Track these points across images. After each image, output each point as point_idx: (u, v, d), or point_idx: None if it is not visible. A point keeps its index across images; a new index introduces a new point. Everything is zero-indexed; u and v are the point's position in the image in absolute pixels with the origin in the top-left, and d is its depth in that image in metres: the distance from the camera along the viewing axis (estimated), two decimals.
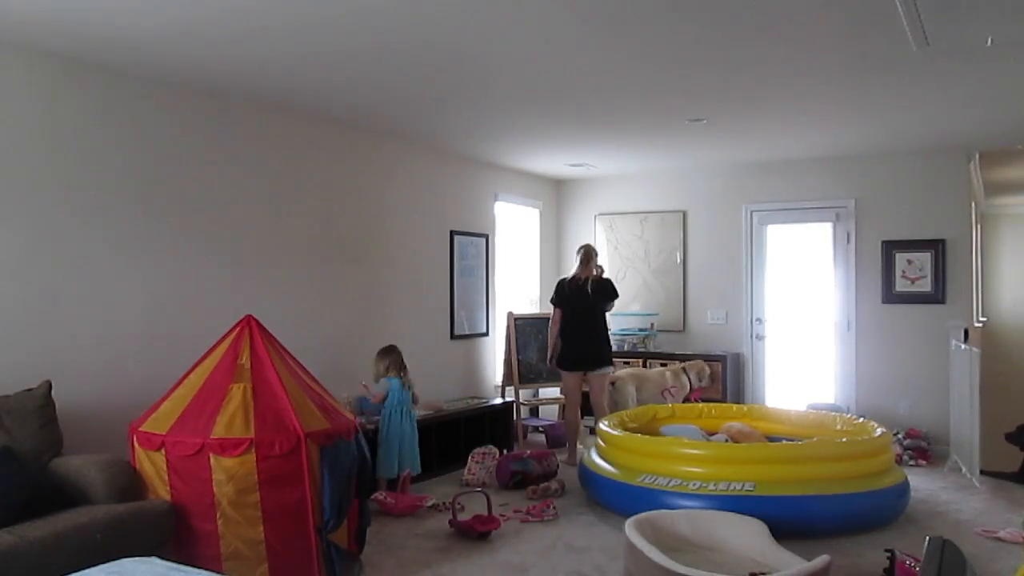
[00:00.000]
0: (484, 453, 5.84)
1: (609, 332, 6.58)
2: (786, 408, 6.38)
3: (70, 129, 4.12)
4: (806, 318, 7.52)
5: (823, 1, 3.41)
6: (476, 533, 4.46)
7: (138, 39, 3.84)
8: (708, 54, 4.15)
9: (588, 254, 6.39)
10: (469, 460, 5.81)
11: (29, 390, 3.65)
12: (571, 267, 6.38)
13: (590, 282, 6.30)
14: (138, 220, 4.45)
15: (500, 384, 7.38)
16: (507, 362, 7.28)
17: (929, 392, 6.82)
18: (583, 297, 6.29)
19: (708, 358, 7.42)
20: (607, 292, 6.35)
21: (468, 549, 4.33)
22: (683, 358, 7.42)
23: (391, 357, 5.41)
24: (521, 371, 7.27)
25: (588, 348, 6.29)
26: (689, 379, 7.10)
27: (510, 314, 7.46)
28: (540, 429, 7.34)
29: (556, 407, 7.59)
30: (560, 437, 6.92)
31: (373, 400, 5.31)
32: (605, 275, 6.47)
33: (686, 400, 6.94)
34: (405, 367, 5.43)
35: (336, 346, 5.68)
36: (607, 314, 6.46)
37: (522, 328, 7.34)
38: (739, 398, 7.50)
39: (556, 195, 8.65)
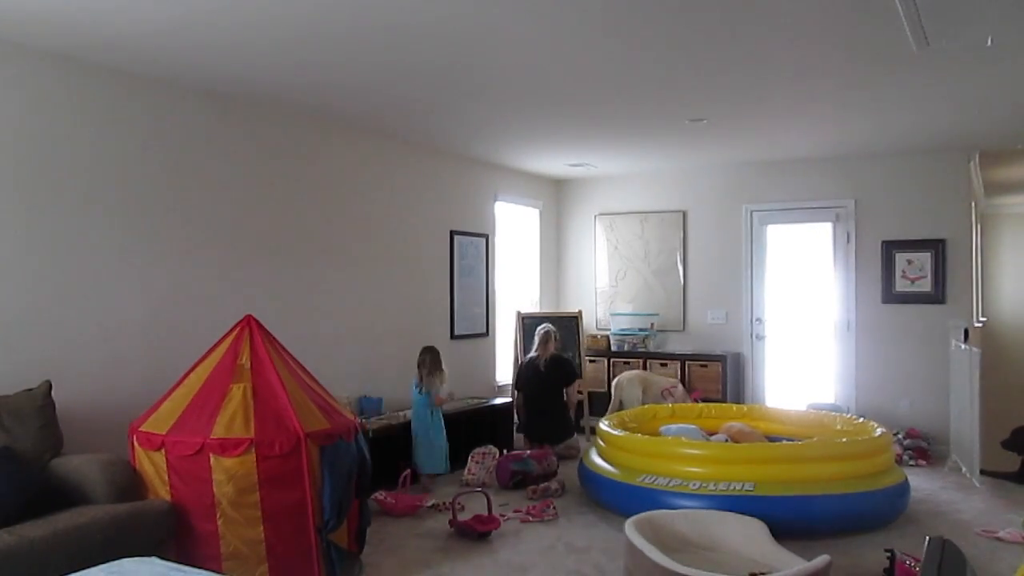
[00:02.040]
0: (484, 453, 5.84)
1: (567, 408, 6.71)
2: (786, 408, 6.39)
3: (69, 129, 4.12)
4: (806, 318, 7.52)
5: (823, 2, 3.41)
6: (476, 533, 4.46)
7: (138, 39, 3.83)
8: (709, 54, 4.15)
9: (545, 337, 6.65)
10: (469, 460, 5.81)
11: (29, 390, 3.65)
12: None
13: (543, 360, 6.59)
14: (138, 220, 4.45)
15: (508, 383, 7.41)
16: (516, 360, 7.34)
17: (929, 392, 6.82)
18: (538, 376, 6.56)
19: (708, 358, 7.44)
20: (562, 370, 6.61)
21: (468, 549, 4.33)
22: (683, 358, 7.47)
23: (418, 360, 5.63)
24: None
25: (546, 424, 6.53)
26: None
27: (518, 312, 7.55)
28: None
29: None
30: None
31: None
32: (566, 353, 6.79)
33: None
34: (428, 369, 5.57)
35: (336, 346, 5.68)
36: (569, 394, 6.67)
37: (530, 327, 7.34)
38: (739, 398, 7.50)
39: (556, 195, 8.65)
